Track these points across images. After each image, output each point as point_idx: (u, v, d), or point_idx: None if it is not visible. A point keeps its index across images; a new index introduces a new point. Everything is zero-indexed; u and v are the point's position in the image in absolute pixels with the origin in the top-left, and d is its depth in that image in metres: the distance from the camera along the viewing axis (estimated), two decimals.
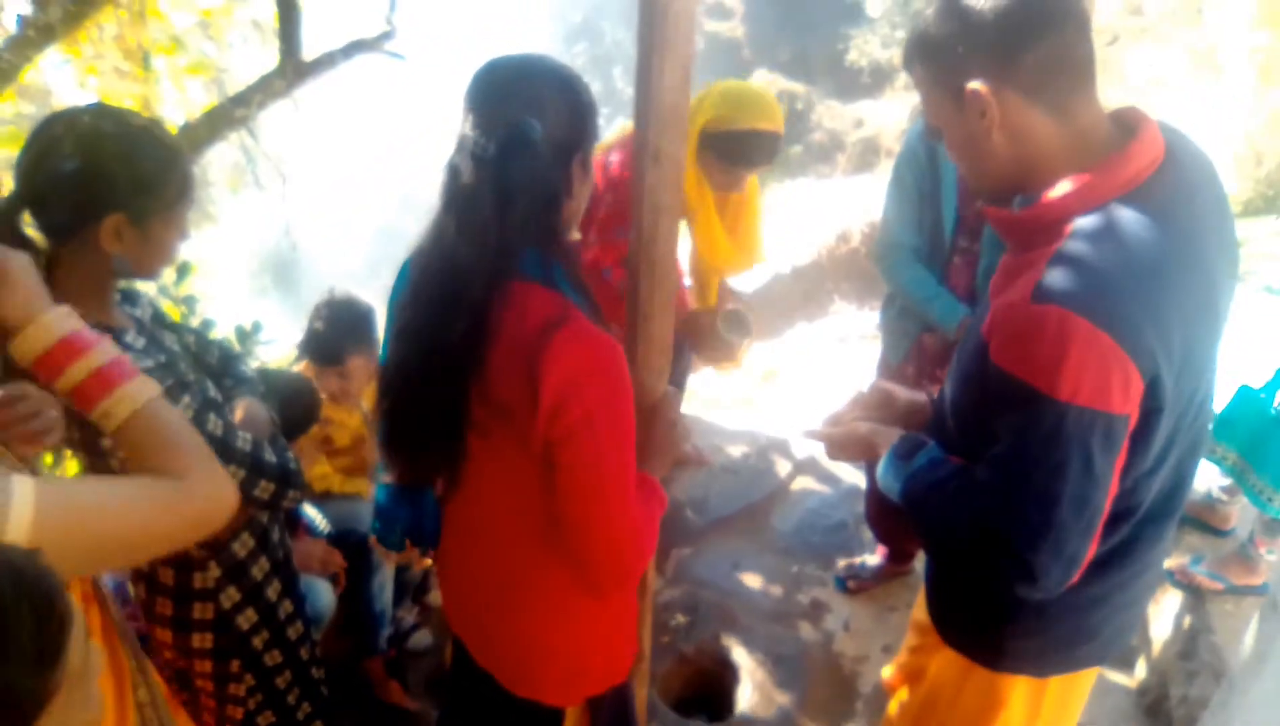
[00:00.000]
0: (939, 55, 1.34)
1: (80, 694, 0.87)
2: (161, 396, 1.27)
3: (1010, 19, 1.25)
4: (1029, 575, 1.30)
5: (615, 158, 2.67)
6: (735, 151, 2.48)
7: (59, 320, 1.19)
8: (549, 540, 1.49)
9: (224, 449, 1.70)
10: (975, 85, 1.29)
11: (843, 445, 1.70)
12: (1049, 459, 1.24)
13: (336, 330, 2.80)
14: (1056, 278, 1.21)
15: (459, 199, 1.36)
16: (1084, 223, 1.25)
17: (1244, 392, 2.78)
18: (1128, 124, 1.34)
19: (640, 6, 1.29)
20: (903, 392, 1.80)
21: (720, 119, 2.37)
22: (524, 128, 1.33)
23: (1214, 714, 1.38)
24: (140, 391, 1.23)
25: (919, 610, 1.95)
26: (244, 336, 4.40)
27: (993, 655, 1.62)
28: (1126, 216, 1.24)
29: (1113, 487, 1.29)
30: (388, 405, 1.53)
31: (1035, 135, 1.31)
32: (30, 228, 1.56)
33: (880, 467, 1.58)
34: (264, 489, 1.80)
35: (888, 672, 2.15)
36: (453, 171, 1.37)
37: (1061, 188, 1.28)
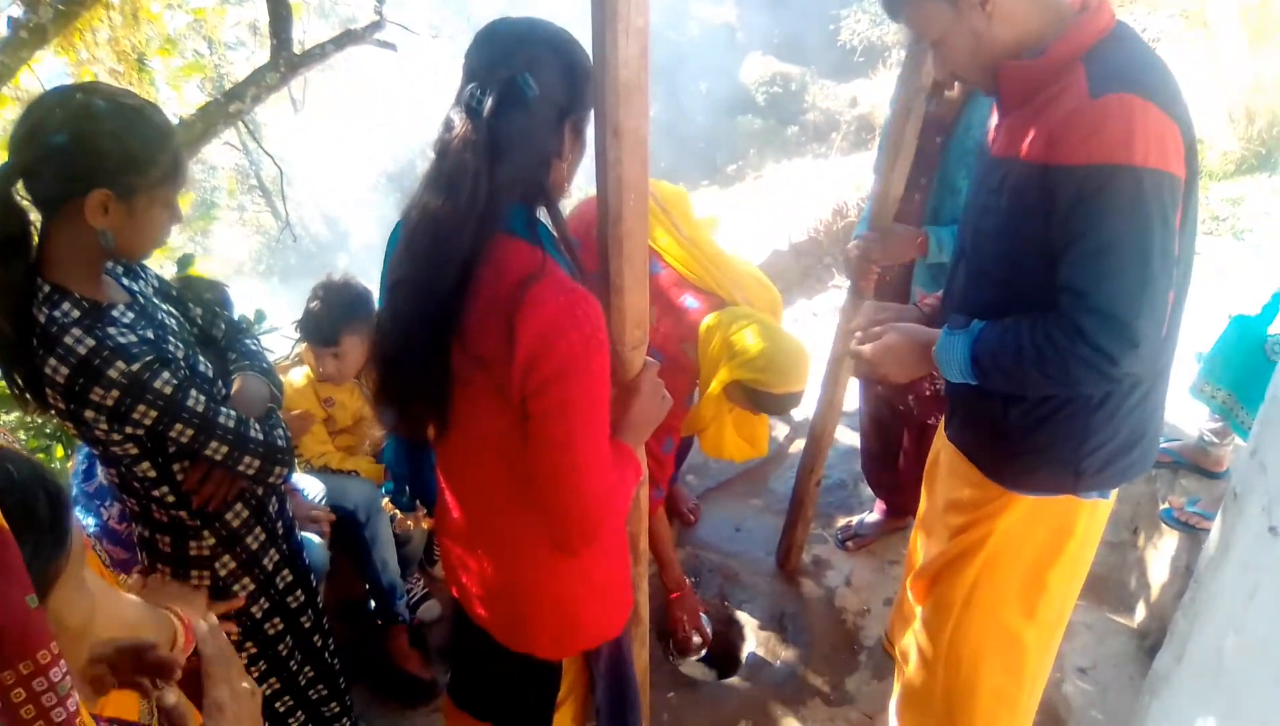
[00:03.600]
0: None
1: (78, 577, 0.93)
2: None
3: None
4: (1120, 351, 1.48)
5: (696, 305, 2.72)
6: (765, 406, 2.61)
7: None
8: (530, 496, 1.49)
9: (205, 424, 1.73)
10: None
11: (891, 356, 1.87)
12: (1136, 221, 1.44)
13: (331, 311, 2.82)
14: (1100, 78, 1.48)
15: (451, 150, 1.36)
16: (1093, 51, 1.53)
17: (1238, 321, 2.81)
18: None
19: None
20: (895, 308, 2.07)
21: (758, 382, 2.48)
22: (519, 83, 1.35)
23: (1184, 612, 1.41)
24: None
25: (957, 490, 2.04)
26: (247, 326, 4.43)
27: (1073, 480, 1.81)
28: (1122, 41, 1.55)
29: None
30: (379, 354, 1.54)
31: (1021, 11, 1.59)
32: (24, 199, 1.59)
33: (939, 347, 1.76)
34: (248, 464, 1.83)
35: (909, 582, 2.24)
36: (447, 124, 1.39)
37: (1062, 36, 1.55)
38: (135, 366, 1.61)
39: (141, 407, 1.64)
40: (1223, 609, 1.27)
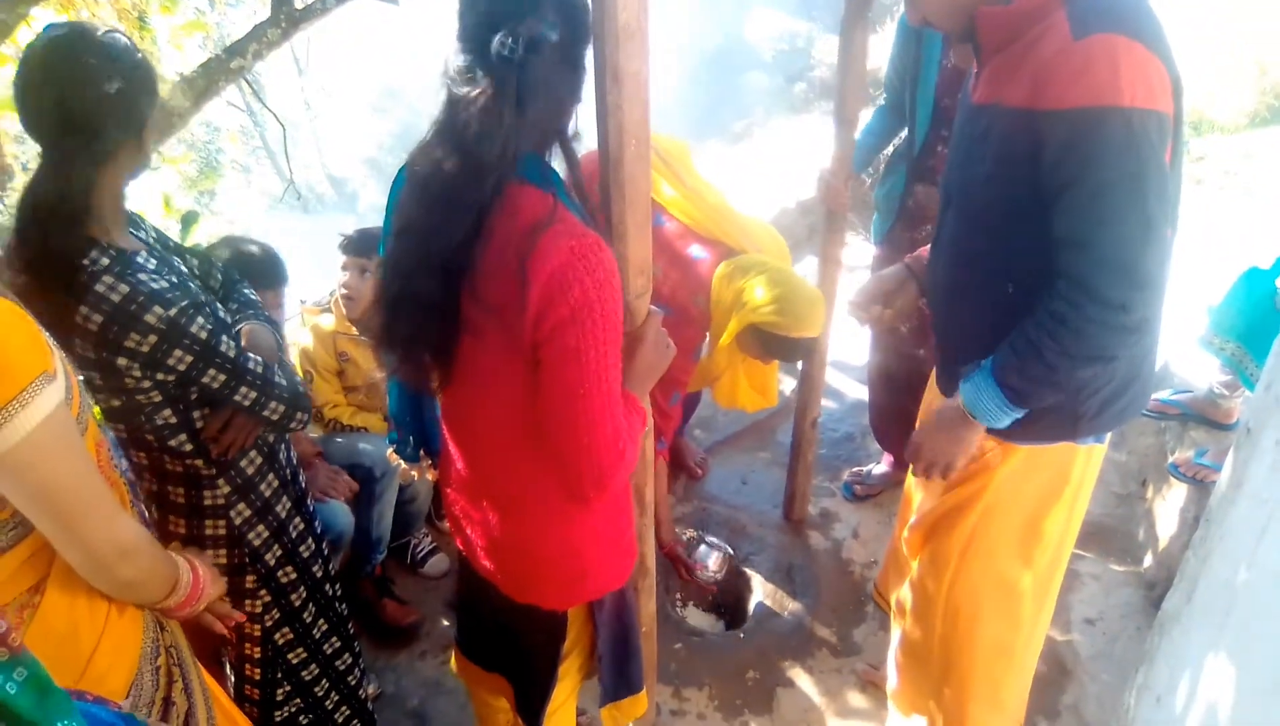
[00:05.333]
0: None
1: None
2: None
3: None
4: (1129, 296, 1.46)
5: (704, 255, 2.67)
6: (779, 351, 2.58)
7: None
8: (538, 446, 1.49)
9: (236, 369, 1.74)
10: None
11: (940, 447, 1.84)
12: (1130, 163, 1.41)
13: (374, 231, 2.91)
14: (1082, 18, 1.43)
15: (467, 101, 1.31)
16: None
17: (1250, 274, 2.79)
18: None
19: None
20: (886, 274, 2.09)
21: (774, 325, 2.45)
22: (546, 31, 1.31)
23: (1195, 550, 1.41)
24: None
25: None
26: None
27: (1072, 426, 1.78)
28: None
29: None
30: (385, 298, 1.52)
31: None
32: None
33: (968, 402, 1.72)
34: (274, 410, 1.84)
35: (905, 535, 2.22)
36: (461, 72, 1.33)
37: None
38: (173, 311, 1.62)
39: (178, 352, 1.65)
40: (1235, 544, 1.26)
